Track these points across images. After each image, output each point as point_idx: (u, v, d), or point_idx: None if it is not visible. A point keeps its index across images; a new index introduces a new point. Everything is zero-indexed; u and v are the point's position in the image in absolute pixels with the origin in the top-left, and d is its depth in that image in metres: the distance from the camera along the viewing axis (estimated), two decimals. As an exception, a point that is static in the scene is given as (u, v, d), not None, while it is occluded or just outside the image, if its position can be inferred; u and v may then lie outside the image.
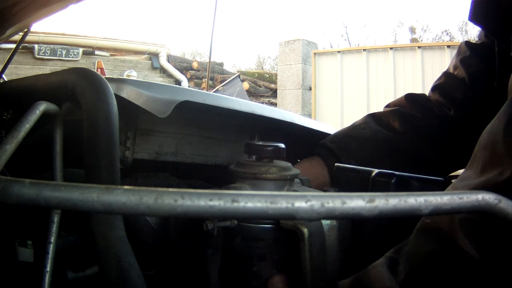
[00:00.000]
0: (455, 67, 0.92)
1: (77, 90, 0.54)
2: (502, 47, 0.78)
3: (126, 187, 0.23)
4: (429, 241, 0.40)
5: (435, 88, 0.94)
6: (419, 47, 6.70)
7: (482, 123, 0.50)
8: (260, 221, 0.55)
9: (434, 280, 0.39)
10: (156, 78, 9.24)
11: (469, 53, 0.89)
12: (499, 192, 0.29)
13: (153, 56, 9.66)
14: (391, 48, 6.79)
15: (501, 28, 0.71)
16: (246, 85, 8.98)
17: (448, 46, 6.29)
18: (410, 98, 0.94)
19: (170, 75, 9.62)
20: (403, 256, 0.43)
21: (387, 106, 0.97)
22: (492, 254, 0.36)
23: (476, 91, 0.87)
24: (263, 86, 9.95)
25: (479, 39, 0.92)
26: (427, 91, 0.98)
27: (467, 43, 0.92)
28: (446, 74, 0.94)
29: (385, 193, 0.25)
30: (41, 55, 7.88)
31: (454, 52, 0.98)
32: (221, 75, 9.94)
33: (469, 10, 0.73)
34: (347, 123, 0.98)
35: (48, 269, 0.50)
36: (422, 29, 19.05)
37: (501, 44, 0.77)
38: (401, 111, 0.92)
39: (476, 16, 0.73)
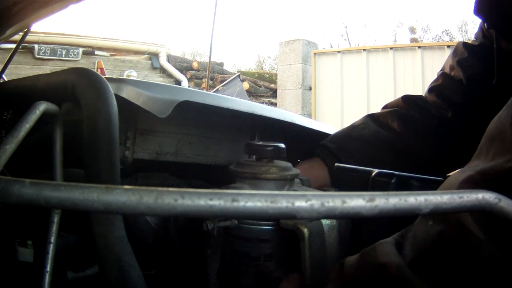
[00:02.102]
0: (451, 68, 0.92)
1: (77, 90, 0.54)
2: (500, 45, 0.78)
3: (126, 186, 0.23)
4: (436, 223, 0.41)
5: (432, 90, 0.94)
6: (419, 47, 6.71)
7: (480, 124, 0.50)
8: (260, 221, 0.55)
9: (441, 260, 0.39)
10: (156, 78, 9.24)
11: (467, 55, 0.89)
12: (505, 179, 0.29)
13: (153, 56, 9.67)
14: (391, 48, 6.79)
15: (504, 22, 0.72)
16: (246, 85, 8.99)
17: (448, 46, 6.30)
18: (407, 99, 0.94)
19: (170, 75, 9.62)
20: (408, 240, 0.43)
21: (384, 107, 0.98)
22: (498, 237, 0.36)
23: (474, 92, 0.87)
24: (263, 86, 9.95)
25: (476, 39, 0.92)
26: (427, 91, 0.98)
27: (465, 44, 0.92)
28: (443, 75, 0.94)
29: (385, 192, 0.25)
30: (41, 55, 7.88)
31: (454, 52, 0.98)
32: (221, 75, 9.94)
33: (474, 3, 0.74)
34: (347, 123, 0.98)
35: (48, 269, 0.50)
36: (422, 29, 19.08)
37: (501, 39, 0.78)
38: (399, 112, 0.92)
39: (480, 9, 0.73)
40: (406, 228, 0.45)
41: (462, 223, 0.38)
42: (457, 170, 0.45)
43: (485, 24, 0.82)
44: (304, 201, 0.23)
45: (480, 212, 0.27)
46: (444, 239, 0.40)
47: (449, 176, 0.86)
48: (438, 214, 0.41)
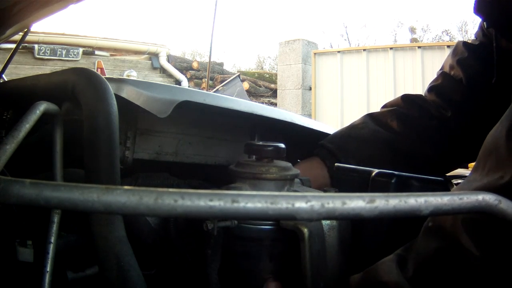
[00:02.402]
0: (451, 67, 0.92)
1: (77, 90, 0.54)
2: (500, 44, 0.78)
3: (126, 187, 0.23)
4: (434, 240, 0.41)
5: (431, 89, 0.94)
6: (419, 47, 6.71)
7: (480, 124, 0.50)
8: (260, 221, 0.55)
9: (440, 276, 0.40)
10: (156, 78, 9.24)
11: (467, 54, 0.89)
12: (499, 195, 0.30)
13: (153, 56, 9.66)
14: (391, 48, 6.79)
15: (504, 21, 0.72)
16: (246, 85, 8.99)
17: (448, 46, 6.29)
18: (407, 99, 0.94)
19: (170, 75, 9.62)
20: (412, 254, 0.44)
21: (384, 106, 0.98)
22: (491, 252, 0.36)
23: (474, 92, 0.87)
24: (263, 86, 9.95)
25: (476, 38, 0.92)
26: (427, 91, 0.98)
27: (465, 44, 0.92)
28: (442, 74, 0.94)
29: (385, 194, 0.25)
30: (41, 55, 7.88)
31: (454, 52, 0.98)
32: (221, 75, 9.95)
33: (474, 2, 0.74)
34: (347, 123, 0.98)
35: (48, 269, 0.50)
36: (422, 29, 19.08)
37: (501, 38, 0.78)
38: (399, 111, 0.92)
39: (480, 8, 0.73)
40: (411, 242, 0.46)
41: (457, 239, 0.38)
42: (455, 187, 0.46)
43: (484, 23, 0.82)
44: (304, 202, 0.23)
45: (480, 213, 0.27)
46: (442, 256, 0.40)
47: (448, 175, 0.86)
48: (438, 215, 0.41)
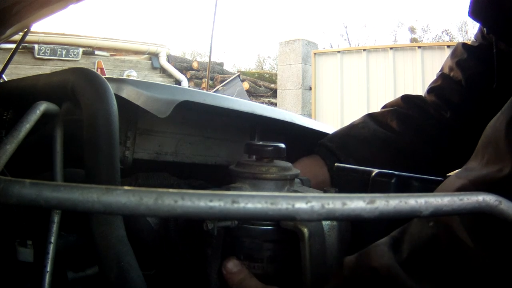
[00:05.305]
0: (450, 69, 0.92)
1: (77, 90, 0.54)
2: (500, 48, 0.78)
3: (126, 187, 0.23)
4: (430, 225, 0.41)
5: (431, 90, 0.94)
6: (419, 47, 6.71)
7: (479, 125, 0.50)
8: (260, 222, 0.55)
9: (432, 264, 0.40)
10: (156, 78, 9.25)
11: (466, 56, 0.89)
12: (498, 188, 0.29)
13: (153, 56, 9.67)
14: (391, 48, 6.79)
15: (500, 24, 0.71)
16: (246, 85, 8.99)
17: (448, 46, 6.30)
18: (407, 99, 0.94)
19: (170, 75, 9.63)
20: (406, 237, 0.44)
21: (384, 107, 0.98)
22: (486, 246, 0.36)
23: (473, 93, 0.87)
24: (263, 86, 9.96)
25: (476, 40, 0.92)
26: (427, 92, 0.98)
27: (464, 45, 0.92)
28: (442, 76, 0.94)
29: (386, 194, 0.25)
30: (41, 55, 7.88)
31: (454, 52, 0.98)
32: (221, 75, 9.95)
33: (468, 5, 0.73)
34: (347, 123, 0.98)
35: (48, 269, 0.50)
36: (422, 29, 19.09)
37: (499, 42, 0.77)
38: (399, 111, 0.92)
39: (475, 11, 0.73)
40: (408, 223, 0.46)
41: (452, 230, 0.38)
42: (453, 173, 0.46)
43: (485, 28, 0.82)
44: (304, 202, 0.23)
45: (480, 214, 0.27)
46: (436, 243, 0.40)
47: (448, 176, 0.86)
48: (439, 216, 0.41)
